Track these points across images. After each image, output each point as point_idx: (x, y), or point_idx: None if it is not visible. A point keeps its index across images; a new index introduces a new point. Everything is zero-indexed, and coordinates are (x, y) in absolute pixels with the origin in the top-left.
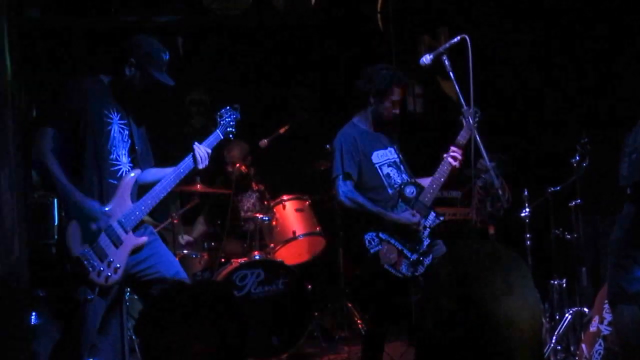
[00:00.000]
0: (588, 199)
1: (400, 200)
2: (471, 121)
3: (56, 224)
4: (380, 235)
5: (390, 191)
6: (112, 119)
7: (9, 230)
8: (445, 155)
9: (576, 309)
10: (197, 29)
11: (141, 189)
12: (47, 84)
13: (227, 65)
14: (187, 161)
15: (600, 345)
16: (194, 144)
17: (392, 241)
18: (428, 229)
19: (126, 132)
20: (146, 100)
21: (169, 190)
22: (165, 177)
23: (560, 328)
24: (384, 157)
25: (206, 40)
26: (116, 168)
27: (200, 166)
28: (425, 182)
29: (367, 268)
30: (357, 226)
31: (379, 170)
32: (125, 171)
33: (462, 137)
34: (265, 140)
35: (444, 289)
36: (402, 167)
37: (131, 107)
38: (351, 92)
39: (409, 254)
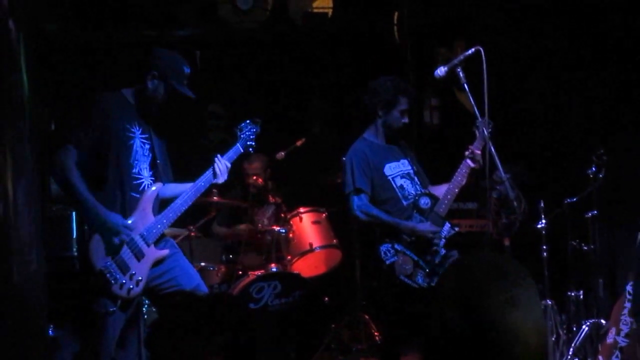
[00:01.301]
0: (604, 210)
1: (414, 211)
2: (486, 133)
3: (74, 236)
4: (396, 246)
5: (404, 202)
6: (134, 133)
7: (26, 243)
8: (460, 167)
9: (593, 320)
10: (215, 43)
11: (161, 203)
12: (66, 97)
13: (245, 79)
14: (207, 175)
15: (617, 357)
16: (215, 156)
17: (408, 252)
18: (443, 240)
19: (147, 145)
20: (166, 113)
21: (190, 204)
22: (186, 191)
23: (577, 340)
24: (397, 169)
25: (224, 54)
26: (138, 182)
27: (220, 180)
28: (442, 189)
29: (383, 279)
30: (372, 238)
31: (392, 182)
32: (147, 185)
33: (475, 148)
34: (282, 153)
35: (449, 301)
36: (416, 178)
37: (153, 121)
38: (359, 108)
39: (424, 265)
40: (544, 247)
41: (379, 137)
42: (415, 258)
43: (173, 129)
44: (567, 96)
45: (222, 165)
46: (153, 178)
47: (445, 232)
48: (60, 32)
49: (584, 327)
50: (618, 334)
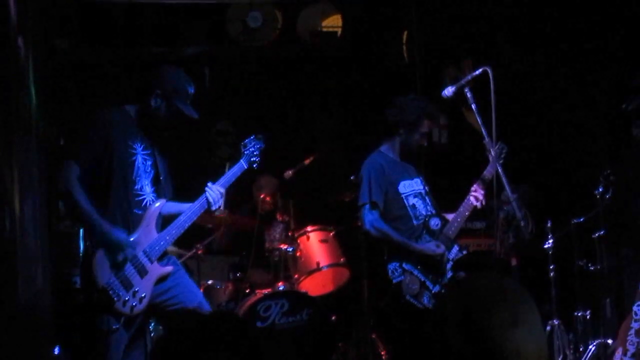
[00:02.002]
0: (611, 230)
1: (424, 231)
2: (493, 153)
3: (81, 252)
4: (404, 265)
5: (415, 222)
6: (136, 149)
7: (32, 260)
8: (470, 193)
9: (600, 340)
10: (224, 60)
11: (163, 220)
12: (75, 114)
13: (253, 96)
14: (202, 201)
15: None
16: (206, 185)
17: (415, 272)
18: (451, 262)
19: (149, 162)
20: (169, 131)
21: (193, 220)
22: (189, 208)
23: (584, 359)
24: (410, 188)
25: (232, 72)
26: (141, 198)
27: (214, 208)
28: (449, 217)
29: (389, 298)
30: (380, 256)
31: (405, 201)
32: (150, 201)
33: (488, 173)
34: (290, 172)
35: (451, 321)
36: (427, 198)
37: (155, 138)
38: (381, 120)
39: (431, 286)
40: (552, 266)
41: (395, 153)
42: (422, 278)
43: (180, 146)
44: (576, 116)
45: (214, 193)
46: (155, 194)
47: (453, 255)
48: (69, 49)
49: (591, 347)
50: (625, 354)
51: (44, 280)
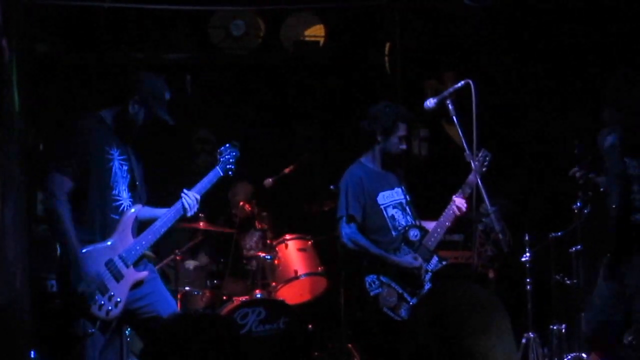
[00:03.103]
0: (588, 245)
1: (403, 243)
2: (473, 165)
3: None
4: (382, 278)
5: (394, 233)
6: (112, 155)
7: (12, 263)
8: (451, 203)
9: (575, 354)
10: (206, 67)
11: (139, 225)
12: (55, 118)
13: (235, 104)
14: (178, 207)
15: None
16: (182, 191)
17: (393, 284)
18: (430, 273)
19: (126, 167)
20: (145, 136)
21: (169, 226)
22: (165, 214)
23: None
24: (390, 199)
25: (215, 79)
26: (118, 203)
27: (189, 214)
28: (429, 225)
29: (367, 310)
30: (358, 268)
31: (384, 212)
32: (127, 206)
33: (470, 182)
34: (270, 180)
35: (422, 327)
36: (407, 208)
37: (131, 143)
38: (357, 133)
39: (409, 298)
40: (528, 280)
41: (375, 163)
42: (400, 291)
43: (162, 152)
44: (556, 130)
45: (190, 199)
46: (132, 199)
47: (432, 266)
48: (51, 53)
49: None
50: None
51: (23, 283)
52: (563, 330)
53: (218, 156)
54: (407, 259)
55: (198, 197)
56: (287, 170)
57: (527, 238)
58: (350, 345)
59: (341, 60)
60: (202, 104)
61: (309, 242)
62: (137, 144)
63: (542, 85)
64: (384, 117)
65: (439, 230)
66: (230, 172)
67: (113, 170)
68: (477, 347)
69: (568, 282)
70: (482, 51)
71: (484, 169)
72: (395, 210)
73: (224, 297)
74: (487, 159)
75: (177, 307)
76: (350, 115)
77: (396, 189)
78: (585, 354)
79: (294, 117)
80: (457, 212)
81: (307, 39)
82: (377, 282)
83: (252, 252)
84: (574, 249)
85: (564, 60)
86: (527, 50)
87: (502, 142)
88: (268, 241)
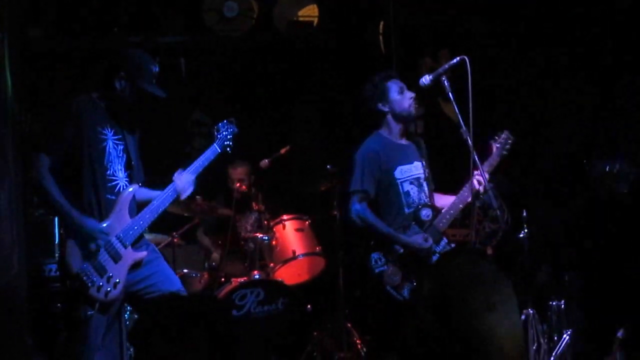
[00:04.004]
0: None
1: (414, 221)
2: (470, 142)
3: (57, 242)
4: (387, 256)
5: (406, 210)
6: (106, 135)
7: (8, 246)
8: (471, 178)
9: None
10: (200, 50)
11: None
12: (48, 103)
13: (229, 86)
14: (171, 189)
15: None
16: (174, 175)
17: (398, 263)
18: (437, 255)
19: (121, 147)
20: (139, 114)
21: (166, 207)
22: (160, 195)
23: (559, 349)
24: (408, 173)
25: (209, 61)
26: (113, 184)
27: (183, 197)
28: (448, 199)
29: (369, 287)
30: (364, 244)
31: (400, 187)
32: (123, 186)
33: (493, 160)
34: (267, 161)
35: (427, 305)
36: (424, 184)
37: (124, 122)
38: (366, 116)
39: (413, 278)
40: (526, 256)
41: (393, 133)
42: (405, 270)
43: (157, 134)
44: (552, 106)
45: (182, 182)
46: (128, 179)
47: (440, 248)
48: (44, 37)
49: (565, 336)
50: None
51: (20, 266)
52: (562, 306)
53: (215, 133)
54: (418, 239)
55: (192, 177)
56: (282, 151)
57: (524, 214)
58: (349, 325)
59: (335, 40)
60: (197, 86)
61: (307, 222)
62: (137, 123)
63: (539, 61)
64: (373, 86)
65: (451, 211)
66: (228, 149)
67: (107, 150)
68: (481, 324)
69: None
70: (476, 28)
71: (504, 152)
72: (412, 186)
73: (222, 279)
74: (510, 141)
75: (181, 285)
76: (345, 95)
77: (415, 163)
78: None
79: (288, 98)
80: (478, 186)
81: (300, 19)
82: (382, 260)
83: (249, 233)
84: None
85: (561, 37)
86: (523, 27)
87: (498, 119)
88: (265, 222)
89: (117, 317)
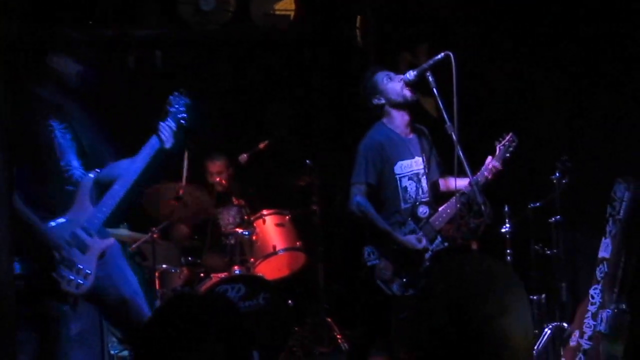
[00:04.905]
0: (568, 215)
1: (410, 217)
2: (454, 137)
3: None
4: (381, 250)
5: (403, 205)
6: (53, 126)
7: None
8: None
9: (556, 324)
10: (176, 43)
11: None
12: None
13: (205, 80)
14: (151, 144)
15: (580, 359)
16: (158, 123)
17: (391, 259)
18: (430, 252)
19: (68, 135)
20: (83, 96)
21: (130, 184)
22: (124, 173)
23: (540, 343)
24: (408, 169)
25: (184, 55)
26: (69, 174)
27: (167, 145)
28: (454, 182)
29: (360, 279)
30: (359, 235)
31: (398, 182)
32: (79, 175)
33: (498, 159)
34: (245, 155)
35: (438, 308)
36: (423, 179)
37: (67, 109)
38: (369, 112)
39: (404, 275)
40: (508, 250)
41: (395, 125)
42: (397, 266)
43: (132, 130)
44: (534, 101)
45: (167, 130)
46: (83, 167)
47: (434, 246)
48: (18, 29)
49: (546, 330)
50: (582, 337)
51: (8, 268)
52: (543, 300)
53: (167, 107)
54: (412, 240)
55: (173, 126)
56: (261, 146)
57: (506, 209)
58: (329, 320)
59: (312, 34)
60: (173, 80)
61: (287, 217)
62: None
63: (520, 55)
64: (364, 83)
65: (448, 211)
66: (183, 122)
67: (56, 140)
68: (494, 329)
69: (548, 252)
70: (456, 22)
71: (507, 154)
72: (410, 182)
73: (202, 274)
74: (514, 144)
75: (139, 287)
76: (322, 89)
77: (416, 158)
78: (566, 323)
79: (265, 92)
80: (488, 175)
81: (277, 12)
82: (375, 254)
83: (229, 228)
84: (553, 219)
85: (540, 30)
86: (502, 21)
87: (480, 113)
88: (245, 217)
89: (97, 312)
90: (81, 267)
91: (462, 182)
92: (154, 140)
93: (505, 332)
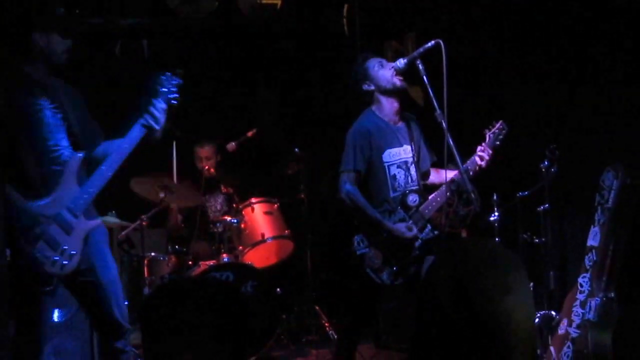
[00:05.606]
0: (556, 204)
1: (400, 206)
2: (444, 125)
3: None
4: (370, 239)
5: (392, 194)
6: (41, 104)
7: None
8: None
9: (544, 312)
10: (162, 32)
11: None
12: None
13: (192, 69)
14: (141, 124)
15: (568, 347)
16: (150, 102)
17: (380, 247)
18: (420, 241)
19: (59, 115)
20: (71, 75)
21: (118, 165)
22: (113, 153)
23: None
24: (396, 157)
25: (171, 44)
26: (57, 154)
27: (158, 125)
28: (443, 174)
29: (349, 268)
30: (348, 224)
31: (387, 170)
32: (67, 155)
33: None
34: (233, 144)
35: (443, 289)
36: (412, 168)
37: (58, 88)
38: (359, 100)
39: (394, 263)
40: (496, 239)
41: (384, 114)
42: (387, 255)
43: (120, 119)
44: (521, 89)
45: (158, 111)
46: (71, 147)
47: (424, 234)
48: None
49: (534, 318)
50: (570, 325)
51: (1, 256)
52: (532, 289)
53: (157, 87)
54: (401, 227)
55: (164, 105)
56: (249, 134)
57: (495, 198)
58: (317, 307)
59: (299, 23)
60: (159, 69)
61: (275, 205)
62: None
63: (507, 44)
64: (355, 69)
65: (438, 199)
66: (174, 102)
67: (44, 120)
68: (498, 308)
69: (536, 240)
70: (443, 11)
71: (497, 142)
72: (399, 170)
73: (190, 262)
74: (504, 131)
75: (117, 275)
76: (309, 78)
77: (405, 147)
78: (555, 311)
79: (253, 81)
80: (479, 162)
81: (264, 1)
82: (365, 242)
83: (218, 216)
84: (541, 207)
85: (529, 19)
86: (490, 9)
87: (468, 102)
88: (234, 205)
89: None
90: (65, 247)
91: (452, 174)
92: (143, 120)
93: (508, 311)
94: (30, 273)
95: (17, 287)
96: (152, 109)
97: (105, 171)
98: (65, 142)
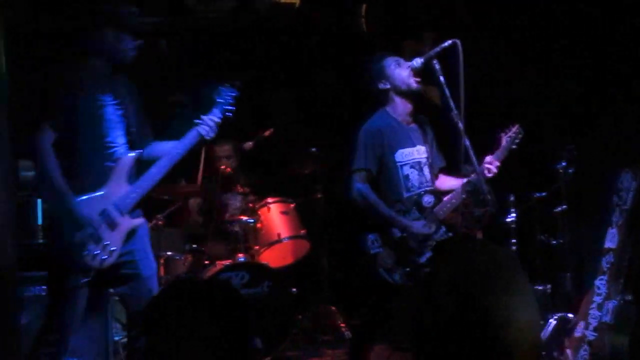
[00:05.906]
0: (573, 205)
1: (414, 207)
2: (460, 126)
3: (39, 223)
4: (384, 238)
5: (405, 194)
6: (104, 101)
7: (2, 228)
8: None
9: (560, 314)
10: (181, 32)
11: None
12: (32, 83)
13: (211, 68)
14: (195, 132)
15: (585, 350)
16: (201, 117)
17: (394, 247)
18: (433, 242)
19: (120, 112)
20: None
21: (168, 168)
22: (165, 156)
23: (545, 333)
24: (409, 157)
25: (189, 43)
26: (112, 150)
27: (210, 136)
28: (452, 181)
29: (362, 267)
30: (362, 224)
31: (400, 170)
32: (122, 152)
33: (495, 159)
34: (250, 143)
35: (445, 291)
36: (425, 169)
37: (122, 85)
38: (373, 98)
39: (407, 264)
40: (513, 240)
41: (397, 114)
42: (400, 255)
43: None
44: (539, 90)
45: (210, 121)
46: (127, 145)
47: (438, 236)
48: (18, 18)
49: (551, 320)
50: (587, 327)
51: (12, 250)
52: (548, 291)
53: (215, 97)
54: (417, 224)
55: (217, 119)
56: (266, 134)
57: (511, 198)
58: (332, 308)
59: (318, 22)
60: (178, 68)
61: (291, 205)
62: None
63: (525, 45)
64: (372, 66)
65: (453, 201)
66: (229, 114)
67: (106, 116)
68: (497, 309)
69: (553, 242)
70: (461, 11)
71: (513, 146)
72: (412, 170)
73: (206, 261)
74: (520, 135)
75: (156, 271)
76: (327, 78)
77: (418, 147)
78: (571, 314)
79: (270, 80)
80: (487, 174)
81: (282, 1)
82: (378, 242)
83: (234, 216)
84: (558, 208)
85: (547, 18)
86: (512, 11)
87: (485, 103)
88: (250, 204)
89: (102, 299)
90: (108, 243)
91: (455, 183)
92: (201, 128)
93: (508, 313)
94: (70, 264)
95: (55, 277)
96: (208, 119)
97: (155, 174)
98: (122, 140)
